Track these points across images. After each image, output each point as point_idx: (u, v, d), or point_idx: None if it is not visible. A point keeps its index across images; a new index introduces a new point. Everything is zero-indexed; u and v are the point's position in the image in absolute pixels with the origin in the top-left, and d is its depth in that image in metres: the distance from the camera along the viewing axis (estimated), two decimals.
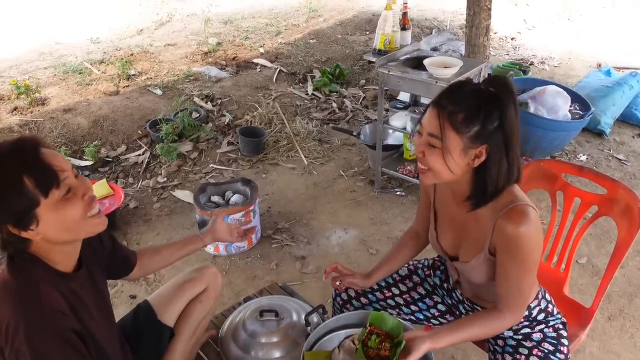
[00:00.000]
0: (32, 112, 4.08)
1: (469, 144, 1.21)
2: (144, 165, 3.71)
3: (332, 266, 1.65)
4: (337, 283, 1.66)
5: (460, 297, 1.59)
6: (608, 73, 4.73)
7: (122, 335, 1.48)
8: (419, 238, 1.69)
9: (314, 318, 1.70)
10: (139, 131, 4.04)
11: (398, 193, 3.42)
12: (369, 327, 1.35)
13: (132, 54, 5.41)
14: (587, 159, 3.87)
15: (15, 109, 4.10)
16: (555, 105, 3.56)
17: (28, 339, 1.03)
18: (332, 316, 1.72)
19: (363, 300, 1.71)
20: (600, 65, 5.48)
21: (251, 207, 2.82)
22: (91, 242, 1.28)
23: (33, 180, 1.02)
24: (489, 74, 1.28)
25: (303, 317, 1.67)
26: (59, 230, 1.10)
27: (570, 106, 3.68)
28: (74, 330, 1.11)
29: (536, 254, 1.30)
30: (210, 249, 2.89)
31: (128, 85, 4.70)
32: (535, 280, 1.40)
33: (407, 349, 1.25)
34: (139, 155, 3.81)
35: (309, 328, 1.62)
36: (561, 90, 3.68)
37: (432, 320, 1.71)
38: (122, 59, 5.14)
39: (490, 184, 1.26)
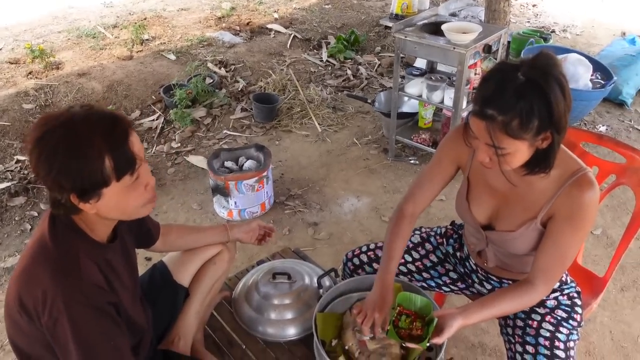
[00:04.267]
0: (47, 76, 4.09)
1: (534, 138, 1.15)
2: (157, 131, 3.72)
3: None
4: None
5: (474, 267, 1.59)
6: (633, 42, 4.57)
7: (142, 295, 1.52)
8: (414, 219, 1.54)
9: (326, 281, 1.72)
10: (153, 96, 4.03)
11: (412, 161, 3.39)
12: (397, 308, 1.33)
13: (145, 19, 5.36)
14: (606, 129, 3.79)
15: (30, 72, 4.12)
16: (575, 73, 3.47)
17: (67, 309, 1.06)
18: (343, 280, 1.74)
19: (375, 266, 1.71)
20: (624, 34, 5.30)
21: (264, 173, 2.83)
22: None
23: (113, 162, 1.04)
24: (531, 56, 1.17)
25: (315, 280, 1.69)
26: (115, 210, 1.13)
27: (592, 75, 3.59)
28: (109, 303, 1.15)
29: (592, 224, 1.29)
30: (223, 213, 2.92)
31: (141, 50, 4.67)
32: None
33: (439, 326, 1.24)
34: (153, 120, 3.82)
35: (321, 290, 1.64)
36: (583, 58, 3.58)
37: (443, 288, 1.72)
38: (135, 23, 5.09)
39: (553, 157, 1.21)
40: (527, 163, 1.23)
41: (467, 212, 1.47)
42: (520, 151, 1.18)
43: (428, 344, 1.24)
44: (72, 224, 1.14)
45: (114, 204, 1.10)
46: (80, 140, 1.02)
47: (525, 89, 1.10)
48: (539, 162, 1.23)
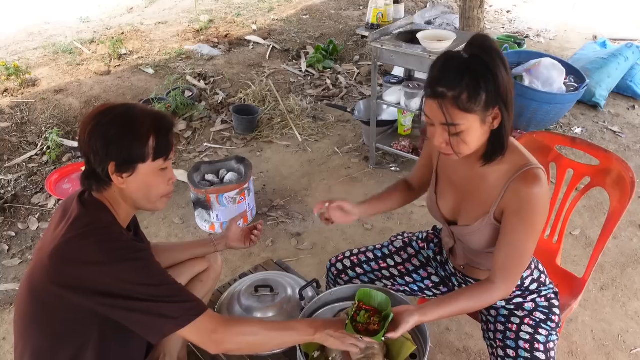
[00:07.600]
0: (22, 93, 4.04)
1: (484, 113, 1.20)
2: None
3: (320, 205, 1.60)
4: (325, 205, 1.58)
5: (453, 270, 1.60)
6: (604, 45, 4.69)
7: None
8: (410, 188, 1.70)
9: (309, 292, 1.72)
10: None
11: (393, 169, 3.41)
12: (357, 303, 1.36)
13: (122, 33, 5.33)
14: (581, 131, 3.87)
15: (5, 90, 4.06)
16: (550, 77, 3.54)
17: (118, 263, 1.16)
18: (327, 288, 1.74)
19: (358, 270, 1.72)
20: (596, 37, 5.43)
21: (246, 185, 2.82)
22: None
23: (156, 142, 1.22)
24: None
25: (297, 291, 1.69)
26: (140, 192, 1.26)
27: (565, 78, 3.65)
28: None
29: (544, 218, 1.31)
30: (205, 227, 2.90)
31: (119, 65, 4.64)
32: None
33: (395, 322, 1.26)
34: None
35: (303, 302, 1.64)
36: (556, 62, 3.64)
37: (425, 292, 1.73)
38: (112, 38, 5.07)
39: (506, 137, 1.27)
40: (484, 150, 1.29)
41: (435, 205, 1.51)
42: (473, 128, 1.22)
43: (383, 339, 1.26)
44: (103, 205, 1.26)
45: (142, 183, 1.24)
46: (135, 118, 1.22)
47: (469, 63, 1.18)
48: (495, 145, 1.27)
